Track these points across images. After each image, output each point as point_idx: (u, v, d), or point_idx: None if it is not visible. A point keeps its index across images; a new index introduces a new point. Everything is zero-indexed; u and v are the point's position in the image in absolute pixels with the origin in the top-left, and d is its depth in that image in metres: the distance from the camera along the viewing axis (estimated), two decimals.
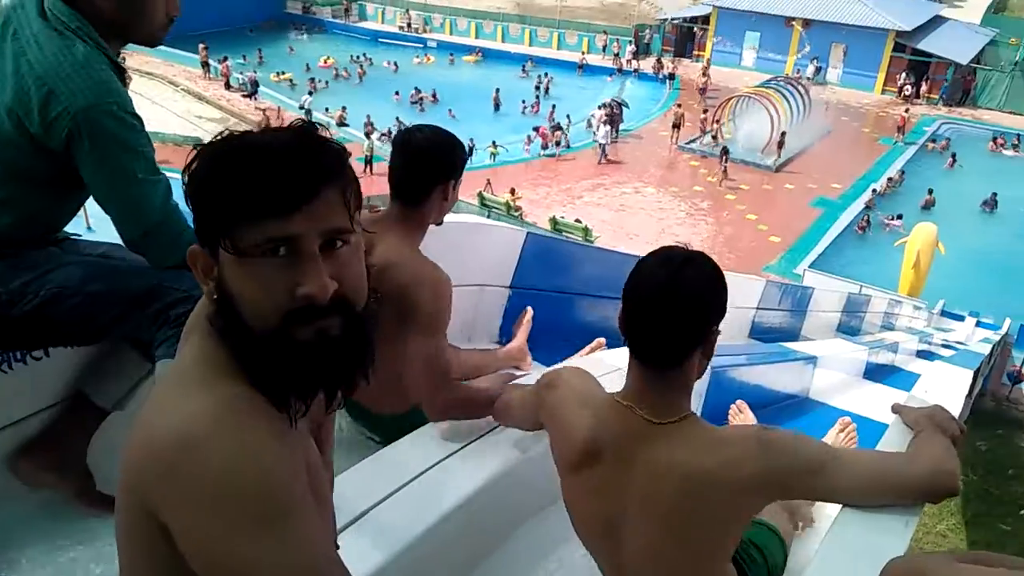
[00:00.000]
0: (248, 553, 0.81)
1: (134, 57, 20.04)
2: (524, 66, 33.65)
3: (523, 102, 28.83)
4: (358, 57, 33.17)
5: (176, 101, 26.27)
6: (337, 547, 1.06)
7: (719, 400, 3.05)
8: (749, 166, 23.65)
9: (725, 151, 22.55)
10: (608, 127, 23.21)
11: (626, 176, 23.00)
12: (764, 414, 3.64)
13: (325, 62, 32.09)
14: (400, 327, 1.95)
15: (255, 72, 28.36)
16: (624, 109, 25.96)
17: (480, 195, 19.75)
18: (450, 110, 26.84)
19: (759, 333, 6.56)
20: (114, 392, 1.86)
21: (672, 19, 36.45)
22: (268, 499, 0.82)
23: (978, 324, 14.15)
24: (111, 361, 1.86)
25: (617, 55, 34.63)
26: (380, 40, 37.58)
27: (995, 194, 21.38)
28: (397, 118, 24.25)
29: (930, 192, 21.52)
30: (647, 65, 33.99)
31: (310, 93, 26.40)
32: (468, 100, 28.86)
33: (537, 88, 30.41)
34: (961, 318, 14.42)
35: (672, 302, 1.32)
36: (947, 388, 2.77)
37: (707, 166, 23.95)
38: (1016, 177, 23.83)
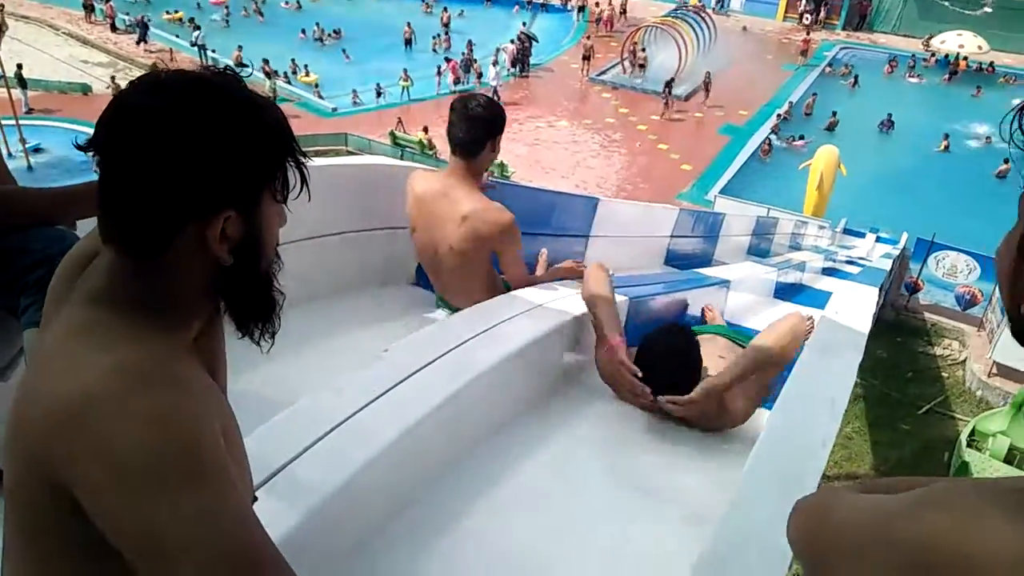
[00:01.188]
0: (164, 516, 0.78)
1: (8, 1, 18.45)
2: (427, 2, 32.55)
3: (434, 37, 28.01)
4: None
5: (59, 46, 24.32)
6: (255, 499, 1.04)
7: (637, 328, 3.09)
8: (659, 95, 23.80)
9: (668, 84, 22.55)
10: (498, 68, 22.78)
11: (539, 110, 22.82)
12: None
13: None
14: (484, 253, 2.80)
15: (144, 14, 26.46)
16: (534, 42, 25.59)
17: (392, 134, 19.27)
18: (344, 50, 25.83)
19: (674, 260, 6.70)
20: None
21: None
22: (184, 458, 0.80)
23: (878, 240, 14.88)
24: None
25: None
26: None
27: (890, 115, 22.24)
28: (292, 60, 23.27)
29: (834, 114, 22.21)
30: None
31: (197, 27, 24.78)
32: (375, 36, 27.86)
33: (444, 24, 29.59)
34: (862, 235, 15.13)
35: None
36: (856, 307, 2.88)
37: (619, 97, 24.00)
38: (911, 99, 24.92)
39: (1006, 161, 19.63)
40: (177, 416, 0.82)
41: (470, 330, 2.28)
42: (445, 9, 30.76)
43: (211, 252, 0.93)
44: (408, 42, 27.65)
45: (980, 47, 26.42)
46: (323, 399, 1.78)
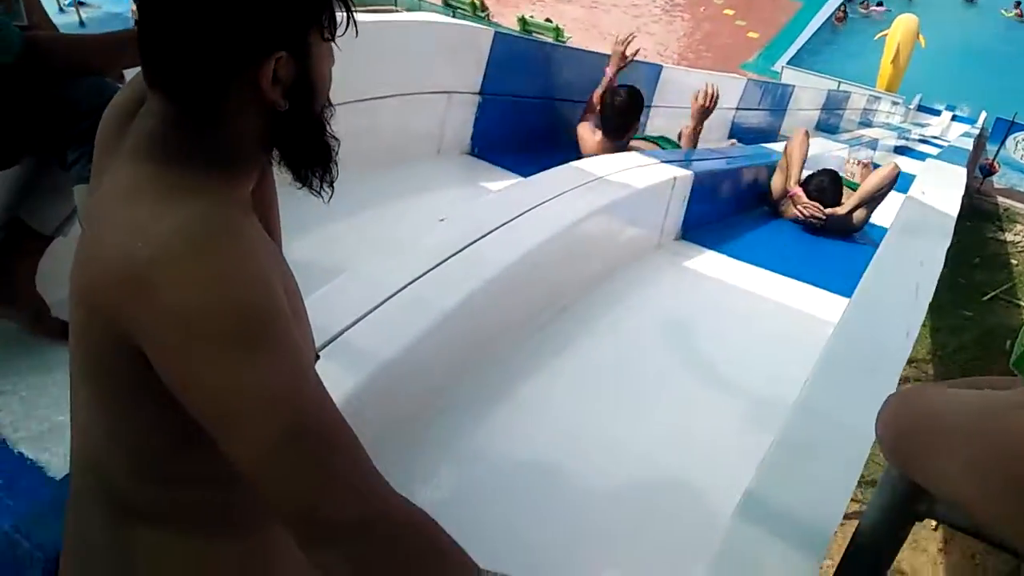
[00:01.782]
0: (232, 374, 0.78)
1: None
2: None
3: None
4: None
5: None
6: (318, 357, 1.03)
7: (703, 204, 2.97)
8: None
9: None
10: None
11: None
12: (745, 213, 3.59)
13: None
14: None
15: None
16: None
17: None
18: None
19: (739, 133, 6.40)
20: (52, 217, 1.71)
21: None
22: (252, 323, 0.79)
23: (954, 118, 14.02)
24: (44, 185, 1.70)
25: None
26: None
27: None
28: None
29: None
30: None
31: None
32: None
33: None
34: (938, 112, 14.27)
35: None
36: (944, 187, 2.69)
37: None
38: None
39: None
40: (243, 278, 0.80)
41: (530, 201, 2.19)
42: None
43: (265, 97, 0.87)
44: None
45: None
46: (380, 266, 1.74)
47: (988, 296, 11.17)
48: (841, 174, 4.33)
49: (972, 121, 13.81)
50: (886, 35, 14.92)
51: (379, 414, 1.49)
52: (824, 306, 2.49)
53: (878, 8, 19.39)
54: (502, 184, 2.93)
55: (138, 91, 0.93)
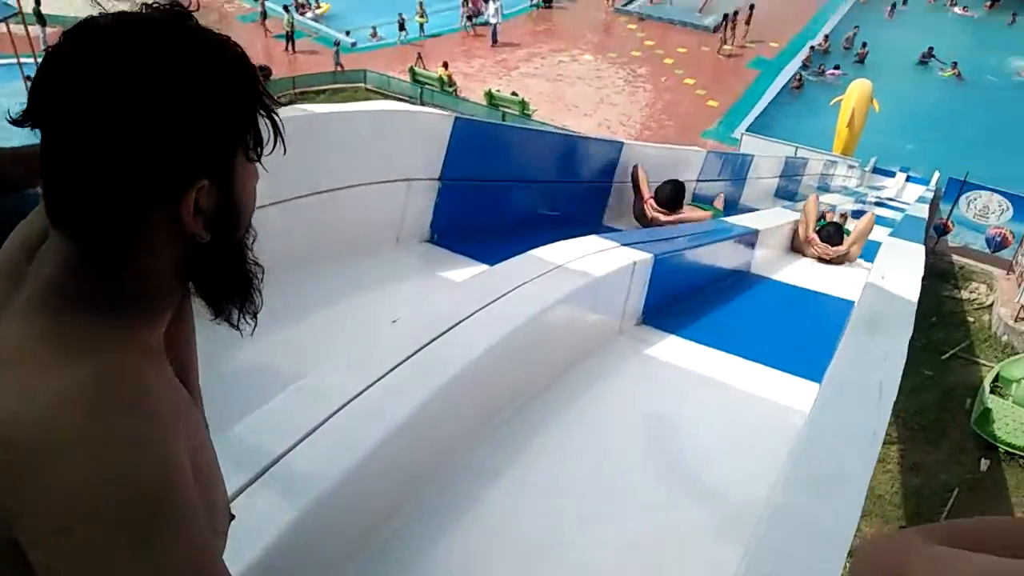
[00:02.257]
0: (116, 565, 0.68)
1: None
2: None
3: None
4: None
5: None
6: (232, 517, 0.94)
7: (663, 286, 2.97)
8: (686, 27, 23.01)
9: (726, 16, 21.65)
10: (498, 4, 21.29)
11: (563, 43, 22.16)
12: (707, 293, 3.59)
13: None
14: None
15: None
16: None
17: (411, 70, 18.84)
18: None
19: (702, 203, 6.51)
20: None
21: None
22: (144, 498, 0.71)
23: (908, 179, 14.45)
24: None
25: None
26: None
27: (931, 48, 21.31)
28: None
29: (864, 45, 21.39)
30: None
31: None
32: None
33: None
34: (892, 174, 14.71)
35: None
36: (904, 270, 2.73)
37: (645, 29, 23.21)
38: (951, 29, 23.89)
39: None
40: (136, 450, 0.71)
41: (488, 294, 2.17)
42: None
43: (185, 230, 0.80)
44: None
45: None
46: (331, 375, 1.69)
47: (947, 355, 11.35)
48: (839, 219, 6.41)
49: (926, 181, 14.25)
50: (841, 100, 15.46)
51: (326, 542, 1.42)
52: (791, 393, 2.48)
53: (834, 72, 20.21)
54: (462, 273, 2.92)
55: (40, 225, 0.85)
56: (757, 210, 6.67)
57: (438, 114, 3.17)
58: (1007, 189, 13.02)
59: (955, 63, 20.66)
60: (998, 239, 13.11)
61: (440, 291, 2.30)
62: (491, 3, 21.37)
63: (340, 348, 1.84)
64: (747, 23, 21.66)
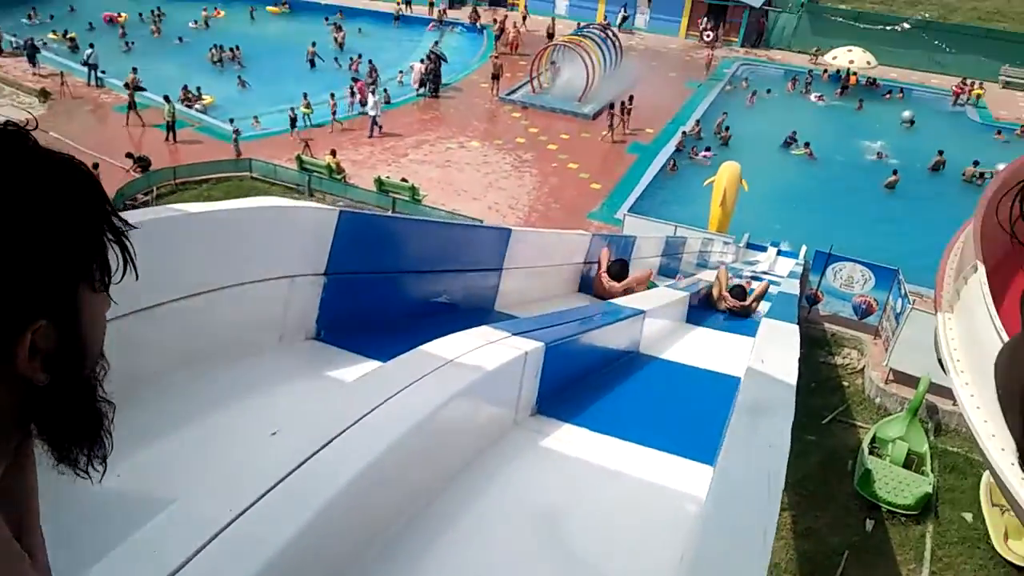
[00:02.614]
0: None
1: None
2: (327, 18, 32.02)
3: (336, 61, 27.59)
4: (153, 11, 30.32)
5: None
6: None
7: (555, 374, 2.97)
8: (567, 114, 24.13)
9: (612, 106, 22.73)
10: (376, 98, 21.96)
11: (450, 131, 22.72)
12: (599, 378, 3.62)
13: (116, 18, 28.97)
14: None
15: (32, 36, 24.92)
16: (444, 62, 25.52)
17: (299, 158, 18.74)
18: (240, 77, 24.84)
19: (589, 286, 6.66)
20: None
21: None
22: None
23: (779, 253, 15.40)
24: None
25: (433, 4, 33.87)
26: None
27: (794, 132, 23.17)
28: (184, 86, 22.35)
29: (727, 129, 23.09)
30: (463, 15, 33.60)
31: (91, 46, 23.59)
32: (277, 56, 27.33)
33: (334, 40, 29.22)
34: (764, 248, 15.63)
35: None
36: (782, 352, 2.84)
37: (529, 117, 24.16)
38: (810, 114, 26.16)
39: (894, 173, 20.79)
40: None
41: (376, 396, 2.09)
42: (339, 27, 30.40)
43: (19, 373, 0.72)
44: (312, 62, 27.18)
45: (869, 62, 27.98)
46: (202, 502, 1.55)
47: (827, 419, 11.94)
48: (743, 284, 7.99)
49: (795, 255, 15.24)
50: (713, 181, 16.45)
51: None
52: (685, 478, 2.49)
53: (705, 154, 21.66)
54: (350, 371, 2.82)
55: None
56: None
57: (322, 208, 3.12)
58: (868, 260, 14.09)
59: (807, 143, 22.54)
60: (864, 307, 14.09)
61: (325, 394, 2.20)
62: (371, 96, 21.81)
63: (214, 466, 1.70)
64: (629, 113, 22.95)
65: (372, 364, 2.95)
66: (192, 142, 20.10)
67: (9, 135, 0.73)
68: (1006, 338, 4.34)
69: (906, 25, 29.37)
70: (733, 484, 1.77)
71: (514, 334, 2.89)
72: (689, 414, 3.28)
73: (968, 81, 27.88)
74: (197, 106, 22.11)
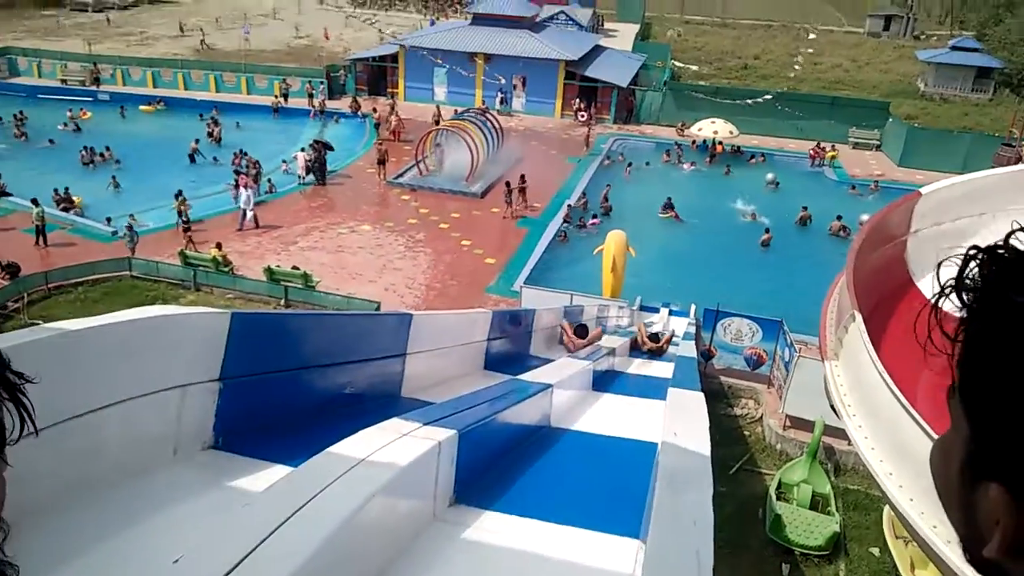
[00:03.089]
0: None
1: None
2: (202, 115, 31.58)
3: (214, 158, 27.14)
4: (16, 115, 29.04)
5: None
6: None
7: (471, 460, 2.90)
8: (456, 194, 24.54)
9: (508, 185, 23.29)
10: (249, 192, 21.33)
11: (340, 216, 22.61)
12: (514, 458, 3.58)
13: None
14: None
15: None
16: (329, 150, 25.54)
17: (182, 253, 18.09)
18: (113, 177, 24.02)
19: (493, 363, 6.65)
20: None
21: (361, 59, 36.78)
22: None
23: (671, 313, 15.95)
24: None
25: (312, 96, 34.08)
26: (40, 96, 33.51)
27: (669, 198, 24.39)
28: (55, 189, 21.48)
29: (607, 199, 24.19)
30: (344, 104, 33.95)
31: None
32: (154, 153, 26.68)
33: (210, 135, 28.66)
34: (657, 310, 16.16)
35: None
36: (693, 421, 2.89)
37: (418, 198, 24.40)
38: (686, 181, 27.71)
39: (767, 231, 22.15)
40: None
41: (286, 507, 1.97)
42: (215, 122, 30.08)
43: None
44: (192, 158, 26.65)
45: (731, 131, 30.08)
46: None
47: (733, 470, 12.26)
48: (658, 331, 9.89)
49: (686, 313, 15.83)
50: (602, 249, 16.99)
51: None
52: (609, 554, 2.46)
53: (593, 221, 22.55)
54: (256, 480, 2.66)
55: None
56: (550, 360, 6.94)
57: (213, 312, 2.98)
58: (753, 314, 14.81)
59: (671, 206, 23.77)
60: (755, 358, 14.72)
61: (230, 508, 2.05)
62: (243, 190, 21.29)
63: None
64: (523, 192, 23.59)
65: (279, 470, 2.79)
66: (66, 244, 19.11)
67: None
68: (889, 381, 4.62)
69: (768, 97, 31.84)
70: (663, 567, 1.75)
71: (425, 424, 2.82)
72: (607, 486, 3.27)
73: (822, 145, 30.40)
74: (72, 209, 21.13)
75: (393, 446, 2.49)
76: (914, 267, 7.32)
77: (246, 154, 25.60)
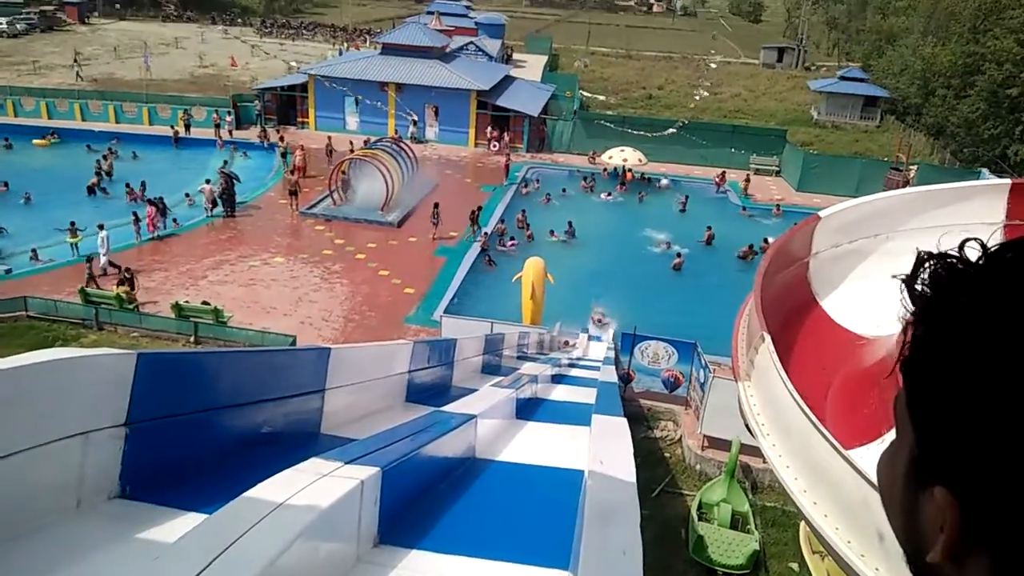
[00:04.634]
0: None
1: None
2: (89, 145, 30.18)
3: (104, 189, 26.00)
4: None
5: None
6: None
7: (395, 498, 2.83)
8: (372, 224, 24.30)
9: (436, 206, 23.55)
10: (104, 234, 19.44)
11: (251, 248, 21.98)
12: (439, 492, 3.51)
13: None
14: None
15: None
16: (237, 181, 24.88)
17: (82, 291, 17.18)
18: None
19: (416, 395, 6.54)
20: None
21: (270, 88, 36.16)
22: None
23: (589, 339, 16.18)
24: None
25: (219, 126, 33.21)
26: None
27: (570, 222, 24.88)
28: None
29: (528, 226, 24.61)
30: (252, 134, 33.20)
31: None
32: (50, 187, 25.34)
33: (98, 172, 26.92)
34: (576, 335, 16.37)
35: None
36: (617, 450, 2.91)
37: (333, 229, 24.02)
38: (601, 209, 28.35)
39: (679, 255, 22.83)
40: None
41: (200, 558, 1.86)
42: (111, 151, 28.91)
43: None
44: (91, 191, 25.48)
45: (640, 159, 31.00)
46: None
47: (655, 492, 12.47)
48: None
49: (602, 338, 16.11)
50: (521, 277, 17.13)
51: None
52: None
53: (512, 243, 22.88)
54: (167, 530, 2.51)
55: None
56: (470, 390, 6.89)
57: (117, 354, 2.82)
58: (668, 336, 15.18)
59: (558, 230, 24.53)
60: (672, 380, 15.07)
61: (140, 561, 1.92)
62: (100, 231, 19.66)
63: None
64: (435, 219, 23.69)
65: (192, 517, 2.65)
66: None
67: None
68: (799, 400, 4.80)
69: (673, 129, 32.98)
70: None
71: (347, 462, 2.73)
72: (535, 517, 3.25)
73: (726, 174, 31.67)
74: None
75: (313, 487, 2.40)
76: (817, 287, 7.68)
77: (143, 183, 24.67)
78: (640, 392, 15.22)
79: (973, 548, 0.63)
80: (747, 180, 31.02)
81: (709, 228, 24.68)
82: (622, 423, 3.77)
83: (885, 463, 0.74)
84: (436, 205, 23.83)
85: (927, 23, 44.79)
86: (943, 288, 0.66)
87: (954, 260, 0.67)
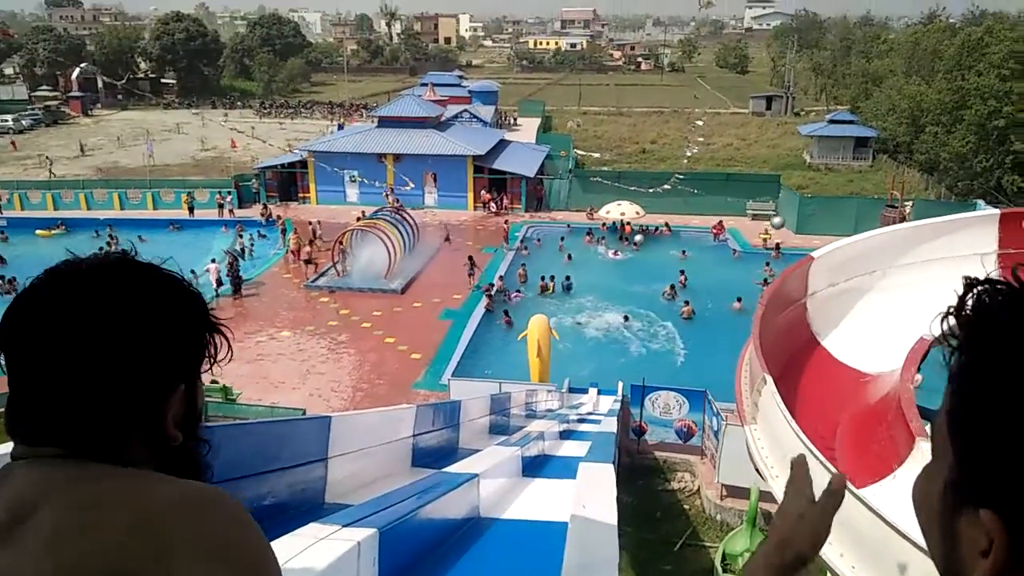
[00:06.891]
0: None
1: None
2: (97, 231, 30.47)
3: None
4: None
5: None
6: None
7: (394, 558, 2.82)
8: (376, 292, 24.46)
9: (471, 259, 24.45)
10: None
11: (258, 324, 22.09)
12: (441, 552, 3.49)
13: None
14: None
15: None
16: (241, 260, 25.19)
17: None
18: None
19: (421, 459, 6.51)
20: None
21: (270, 167, 36.91)
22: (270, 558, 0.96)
23: (600, 392, 16.08)
24: None
25: (222, 206, 33.82)
26: None
27: (568, 277, 25.00)
28: None
29: (542, 278, 24.79)
30: (255, 212, 33.75)
31: None
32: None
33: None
34: (585, 390, 16.27)
35: None
36: (600, 494, 2.90)
37: (337, 300, 24.18)
38: (605, 264, 28.50)
39: (686, 303, 22.82)
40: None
41: None
42: (111, 236, 29.33)
43: (164, 434, 0.95)
44: None
45: (638, 212, 31.31)
46: None
47: (678, 546, 12.20)
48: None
49: (614, 391, 15.99)
50: (526, 335, 17.13)
51: None
52: None
53: (516, 295, 23.00)
54: None
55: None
56: (477, 451, 6.85)
57: None
58: (678, 386, 15.08)
59: (566, 277, 24.77)
60: (685, 430, 14.90)
61: None
62: None
63: None
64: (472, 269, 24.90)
65: None
66: None
67: (145, 266, 1.01)
68: (805, 439, 4.76)
69: (667, 187, 33.27)
70: None
71: (344, 525, 2.74)
72: (535, 570, 3.22)
73: (723, 223, 31.85)
74: None
75: (310, 551, 2.40)
76: (817, 327, 7.68)
77: None
78: (654, 444, 15.04)
79: (1019, 572, 0.62)
80: (766, 232, 30.58)
81: (682, 276, 24.87)
82: (607, 468, 3.76)
83: (921, 485, 0.73)
84: (471, 258, 25.16)
85: (908, 64, 45.71)
86: (989, 311, 0.66)
87: (1001, 285, 0.67)
